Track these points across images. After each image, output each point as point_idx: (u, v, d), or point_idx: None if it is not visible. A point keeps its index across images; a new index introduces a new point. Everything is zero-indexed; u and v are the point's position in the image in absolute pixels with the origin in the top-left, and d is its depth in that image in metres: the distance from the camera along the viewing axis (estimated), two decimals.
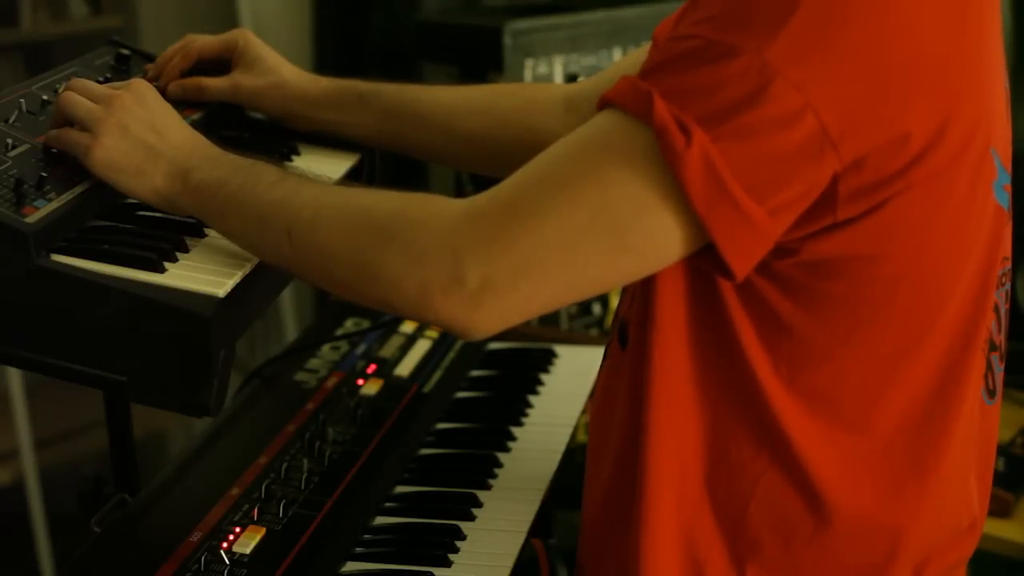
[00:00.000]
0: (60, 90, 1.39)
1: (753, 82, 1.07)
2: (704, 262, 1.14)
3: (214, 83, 1.57)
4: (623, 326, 1.30)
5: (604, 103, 1.14)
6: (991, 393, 1.34)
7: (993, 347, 1.31)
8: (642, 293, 1.24)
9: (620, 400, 1.29)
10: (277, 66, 1.59)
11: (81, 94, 1.34)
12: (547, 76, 2.49)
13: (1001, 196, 1.24)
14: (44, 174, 1.30)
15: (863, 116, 1.09)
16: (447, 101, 1.59)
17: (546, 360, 1.90)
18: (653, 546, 1.24)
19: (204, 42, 1.60)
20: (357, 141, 1.62)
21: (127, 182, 1.30)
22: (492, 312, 1.14)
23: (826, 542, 1.23)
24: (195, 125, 1.42)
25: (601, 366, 1.39)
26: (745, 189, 1.08)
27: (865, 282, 1.16)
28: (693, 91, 1.08)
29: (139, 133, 1.30)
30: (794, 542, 1.23)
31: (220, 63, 1.61)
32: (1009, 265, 1.34)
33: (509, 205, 1.14)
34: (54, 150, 1.35)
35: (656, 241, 1.12)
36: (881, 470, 1.23)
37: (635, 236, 1.12)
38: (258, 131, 1.63)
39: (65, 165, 1.34)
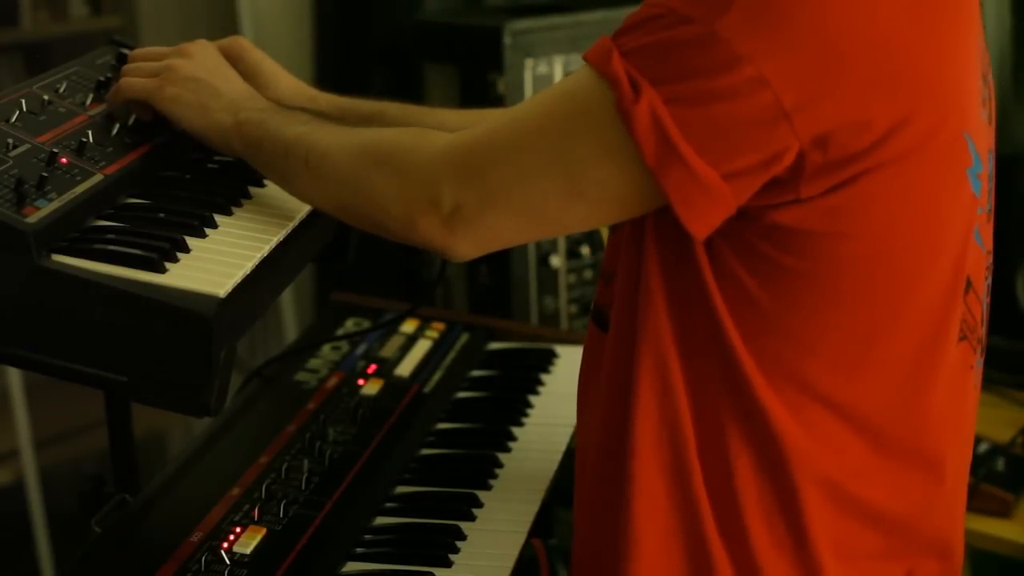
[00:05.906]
0: (129, 57, 1.53)
1: (705, 52, 1.11)
2: (674, 220, 1.17)
3: None
4: (599, 310, 1.32)
5: (583, 60, 1.20)
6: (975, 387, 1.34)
7: (976, 339, 1.31)
8: (624, 267, 1.26)
9: (601, 377, 1.30)
10: (274, 80, 1.56)
11: (146, 57, 1.49)
12: (547, 76, 2.49)
13: (975, 184, 1.24)
14: (45, 174, 1.30)
15: (820, 93, 1.12)
16: (451, 122, 1.57)
17: (546, 360, 1.90)
18: (644, 522, 1.24)
19: None
20: None
21: (190, 115, 1.43)
22: (466, 237, 1.24)
23: (805, 525, 1.23)
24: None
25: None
26: (697, 152, 1.12)
27: (829, 261, 1.18)
28: (648, 53, 1.14)
29: (206, 76, 1.44)
30: (776, 523, 1.23)
31: None
32: (991, 259, 1.34)
33: (482, 141, 1.23)
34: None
35: (609, 191, 1.18)
36: (855, 453, 1.23)
37: (588, 183, 1.18)
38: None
39: (65, 165, 1.34)
